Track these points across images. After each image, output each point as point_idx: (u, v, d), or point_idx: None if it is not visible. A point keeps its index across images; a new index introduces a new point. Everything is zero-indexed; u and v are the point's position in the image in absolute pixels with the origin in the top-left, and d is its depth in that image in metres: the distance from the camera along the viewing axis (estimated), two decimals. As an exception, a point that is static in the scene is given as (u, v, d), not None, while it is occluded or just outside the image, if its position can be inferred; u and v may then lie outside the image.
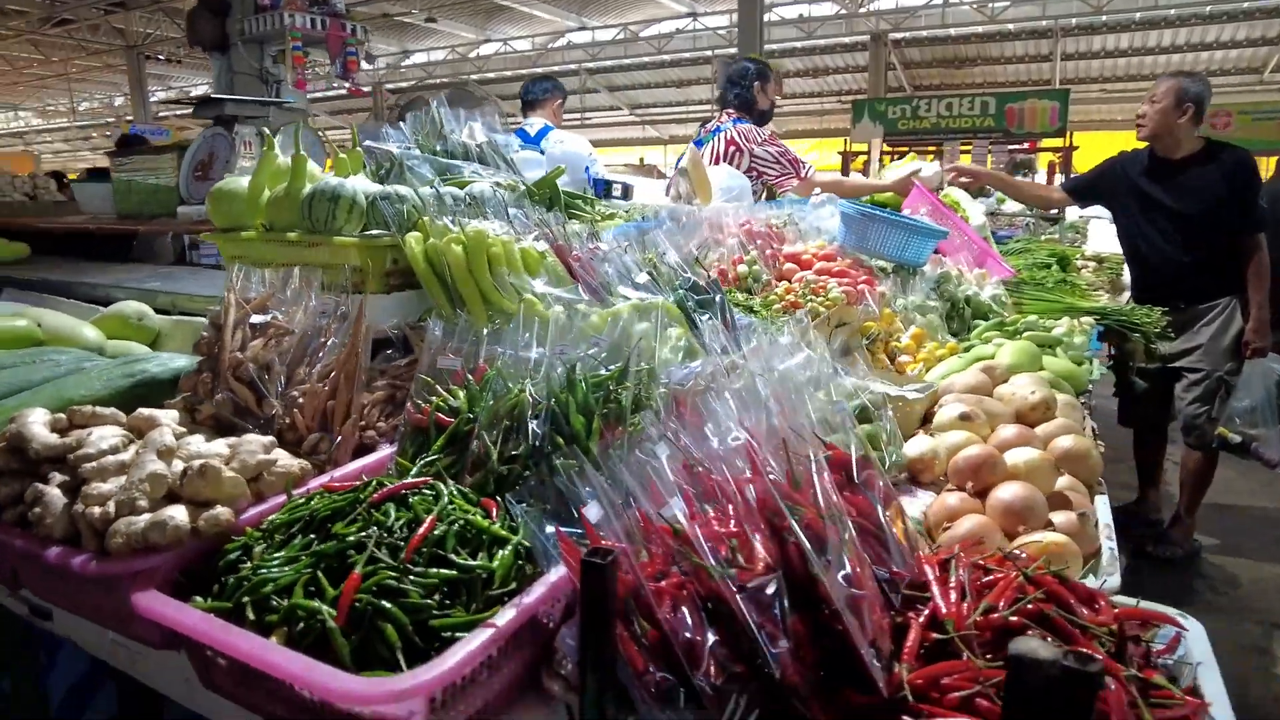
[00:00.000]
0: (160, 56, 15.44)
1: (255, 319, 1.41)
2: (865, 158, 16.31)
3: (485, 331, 1.46)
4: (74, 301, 2.35)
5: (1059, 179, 12.90)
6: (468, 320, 1.52)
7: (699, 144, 5.11)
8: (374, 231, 1.80)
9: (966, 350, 2.59)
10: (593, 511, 0.97)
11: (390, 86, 20.90)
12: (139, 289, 2.67)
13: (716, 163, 4.47)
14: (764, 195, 4.54)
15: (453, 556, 0.97)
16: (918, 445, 1.68)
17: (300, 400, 1.37)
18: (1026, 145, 15.26)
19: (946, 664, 0.89)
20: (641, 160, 19.62)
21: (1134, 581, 3.88)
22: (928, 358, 2.53)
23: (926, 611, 0.97)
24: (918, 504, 1.55)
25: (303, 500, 1.12)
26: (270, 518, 1.11)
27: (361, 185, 1.90)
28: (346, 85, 5.65)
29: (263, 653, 0.89)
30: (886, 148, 15.56)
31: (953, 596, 0.97)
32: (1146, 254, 4.32)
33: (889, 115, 14.83)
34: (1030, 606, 0.96)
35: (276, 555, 1.00)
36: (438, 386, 1.30)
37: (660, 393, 1.31)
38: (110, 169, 4.26)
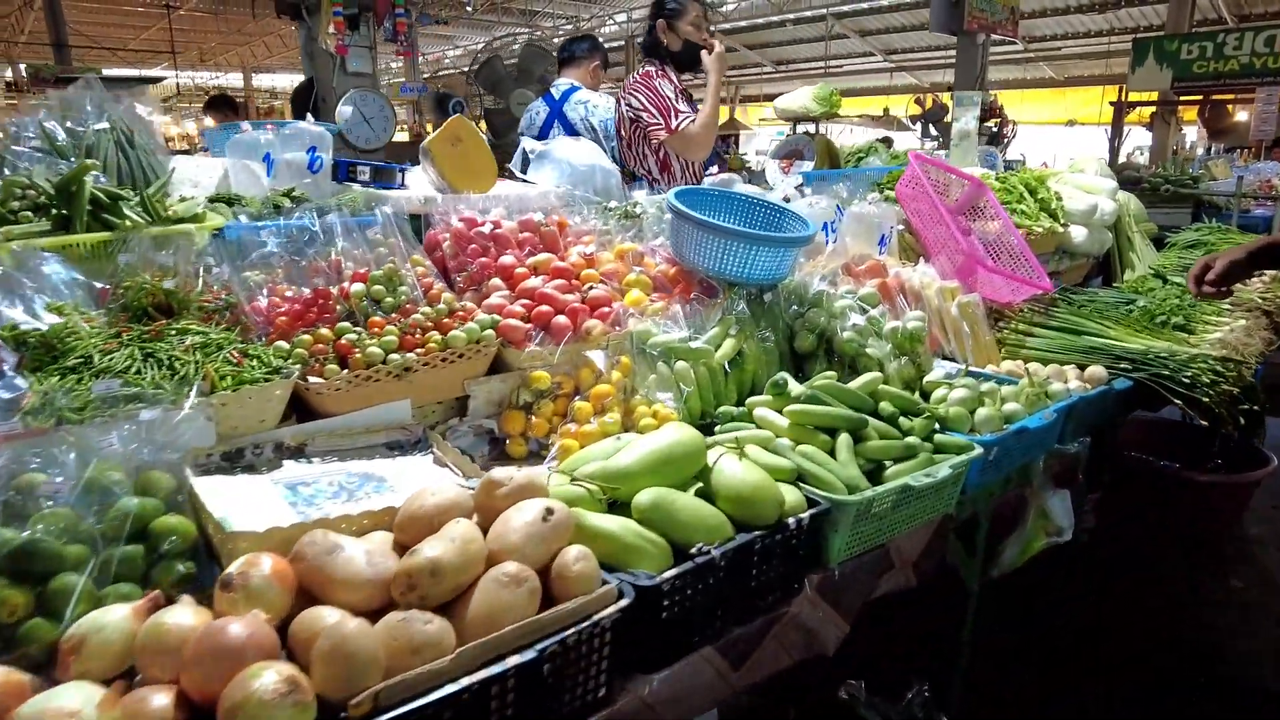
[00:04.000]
0: (429, 16, 16.66)
1: None
2: (1153, 110, 13.34)
3: None
4: None
5: None
6: None
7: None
8: None
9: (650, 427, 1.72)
10: None
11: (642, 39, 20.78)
12: None
13: (618, 126, 3.63)
14: (641, 148, 3.60)
15: None
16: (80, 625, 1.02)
17: None
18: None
19: None
20: (886, 110, 17.66)
21: None
22: (586, 434, 1.72)
23: None
24: None
25: None
26: None
27: None
28: (396, 48, 5.44)
29: None
30: (1186, 97, 12.57)
31: None
32: None
33: (1182, 56, 11.65)
34: None
35: None
36: None
37: None
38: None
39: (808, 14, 17.54)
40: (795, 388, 1.90)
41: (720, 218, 2.47)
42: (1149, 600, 3.70)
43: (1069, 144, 16.75)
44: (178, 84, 19.66)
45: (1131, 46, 12.13)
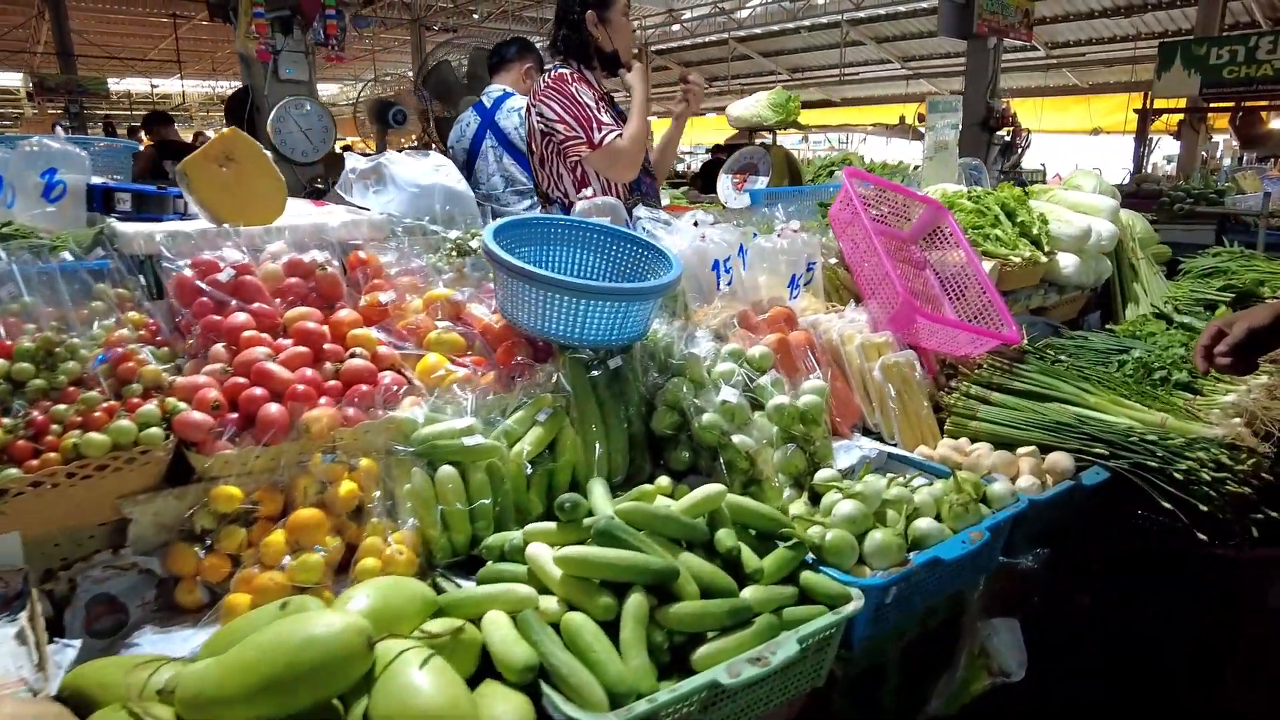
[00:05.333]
0: (434, 27, 16.28)
1: None
2: (1180, 117, 12.54)
3: None
4: None
5: None
6: None
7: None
8: None
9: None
10: None
11: (658, 48, 20.33)
12: None
13: (529, 139, 2.98)
14: (556, 166, 2.93)
15: None
16: None
17: None
18: None
19: None
20: (902, 119, 16.88)
21: None
22: (265, 588, 1.17)
23: None
24: None
25: None
26: None
27: None
28: (327, 52, 4.94)
29: None
30: (1217, 104, 11.78)
31: None
32: None
33: (1211, 60, 10.79)
34: None
35: None
36: None
37: None
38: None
39: (823, 20, 16.88)
40: (601, 507, 1.33)
41: (570, 254, 1.90)
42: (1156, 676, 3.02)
43: (1093, 154, 15.89)
44: (184, 93, 19.56)
45: (1158, 51, 11.36)
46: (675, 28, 19.54)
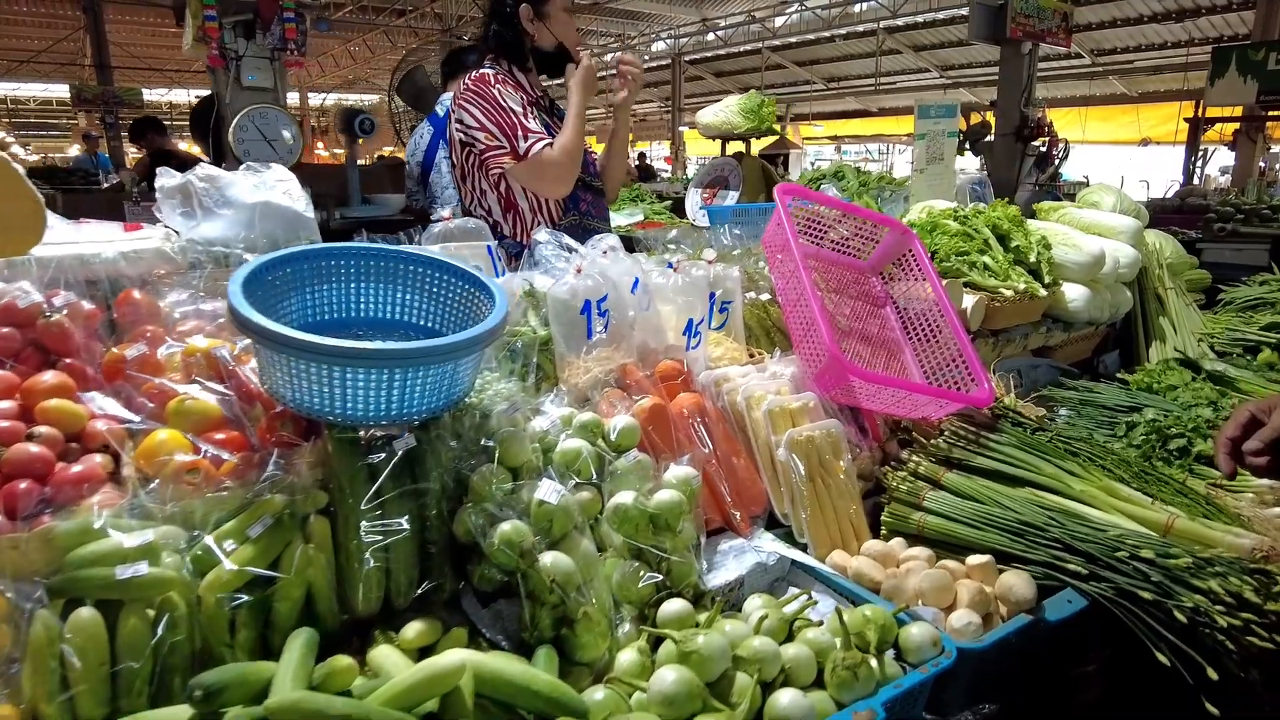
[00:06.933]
0: (464, 37, 16.12)
1: None
2: (1235, 126, 11.72)
3: None
4: None
5: None
6: None
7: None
8: None
9: None
10: None
11: (691, 57, 19.95)
12: None
13: (451, 150, 2.59)
14: (478, 181, 2.54)
15: None
16: None
17: None
18: None
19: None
20: (940, 130, 16.17)
21: None
22: None
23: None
24: None
25: None
26: None
27: None
28: (287, 56, 4.60)
29: None
30: (1276, 112, 10.96)
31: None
32: None
33: (1270, 65, 9.96)
34: None
35: None
36: None
37: None
38: None
39: (859, 29, 16.27)
40: (282, 686, 0.90)
41: (391, 294, 1.47)
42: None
43: (1141, 165, 14.97)
44: (218, 104, 19.77)
45: (1211, 57, 10.55)
46: (710, 37, 19.10)
